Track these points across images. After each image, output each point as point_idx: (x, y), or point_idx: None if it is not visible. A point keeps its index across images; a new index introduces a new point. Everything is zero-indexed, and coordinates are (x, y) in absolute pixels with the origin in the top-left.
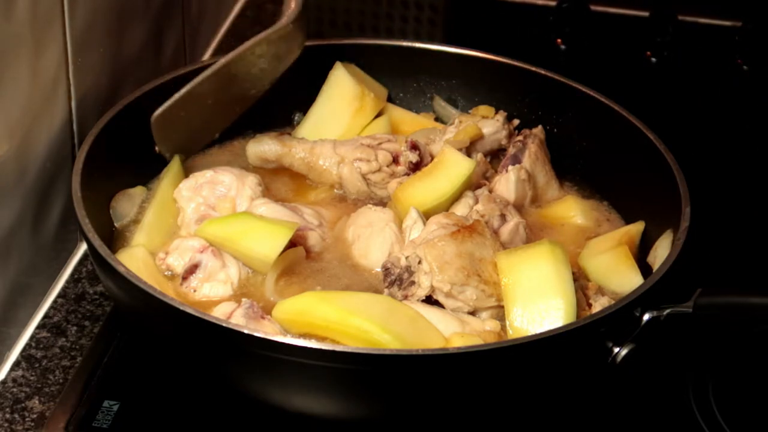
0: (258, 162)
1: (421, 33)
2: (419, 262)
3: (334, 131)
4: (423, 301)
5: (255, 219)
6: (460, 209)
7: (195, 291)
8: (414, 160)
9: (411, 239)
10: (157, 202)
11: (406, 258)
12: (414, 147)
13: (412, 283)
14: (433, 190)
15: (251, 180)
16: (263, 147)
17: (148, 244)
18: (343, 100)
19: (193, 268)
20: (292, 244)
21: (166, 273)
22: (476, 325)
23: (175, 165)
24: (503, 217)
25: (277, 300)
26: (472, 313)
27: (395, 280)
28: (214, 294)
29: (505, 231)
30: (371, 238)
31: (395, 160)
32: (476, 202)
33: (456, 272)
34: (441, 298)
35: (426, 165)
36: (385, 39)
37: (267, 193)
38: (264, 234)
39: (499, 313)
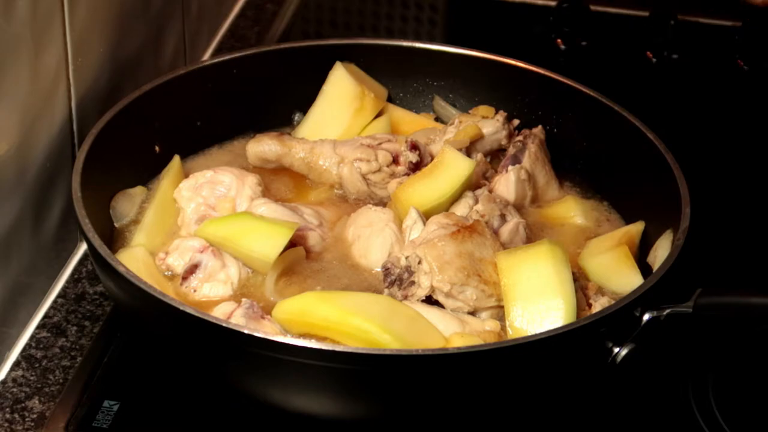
0: (258, 162)
1: (421, 33)
2: (419, 262)
3: (334, 131)
4: (423, 301)
5: (255, 219)
6: (460, 209)
7: (195, 291)
8: (414, 160)
9: (411, 239)
10: (157, 202)
11: (406, 258)
12: (414, 147)
13: (412, 283)
14: (433, 190)
15: (251, 180)
16: (263, 147)
17: (148, 244)
18: (343, 100)
19: (193, 268)
20: (292, 244)
21: (166, 273)
22: (476, 325)
23: (175, 165)
24: (503, 217)
25: (277, 300)
26: (472, 313)
27: (395, 280)
28: (214, 294)
29: (505, 231)
30: (371, 238)
31: (395, 160)
32: (476, 202)
33: (456, 272)
34: (441, 298)
35: (426, 165)
36: (385, 39)
37: (267, 193)
38: (264, 234)
39: (499, 313)
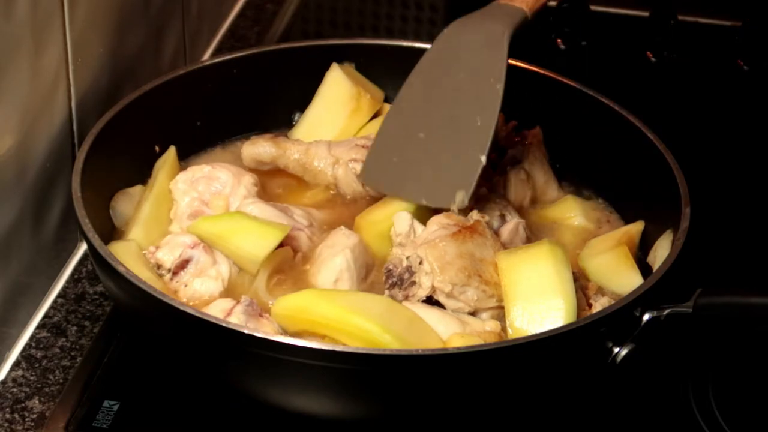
0: (253, 164)
1: (421, 33)
2: (420, 263)
3: (329, 132)
4: (424, 301)
5: (248, 219)
6: None
7: (186, 286)
8: None
9: (412, 239)
10: (154, 195)
11: (407, 258)
12: None
13: (413, 283)
14: (387, 213)
15: (248, 179)
16: (258, 149)
17: (145, 238)
18: (339, 101)
19: (184, 263)
20: (280, 244)
21: (155, 268)
22: (476, 325)
23: (170, 157)
24: (503, 218)
25: (268, 299)
26: (473, 313)
27: (396, 281)
28: (204, 290)
29: (505, 231)
30: (326, 261)
31: None
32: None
33: (457, 273)
34: (442, 299)
35: None
36: (385, 39)
37: (263, 192)
38: (255, 234)
39: (500, 313)
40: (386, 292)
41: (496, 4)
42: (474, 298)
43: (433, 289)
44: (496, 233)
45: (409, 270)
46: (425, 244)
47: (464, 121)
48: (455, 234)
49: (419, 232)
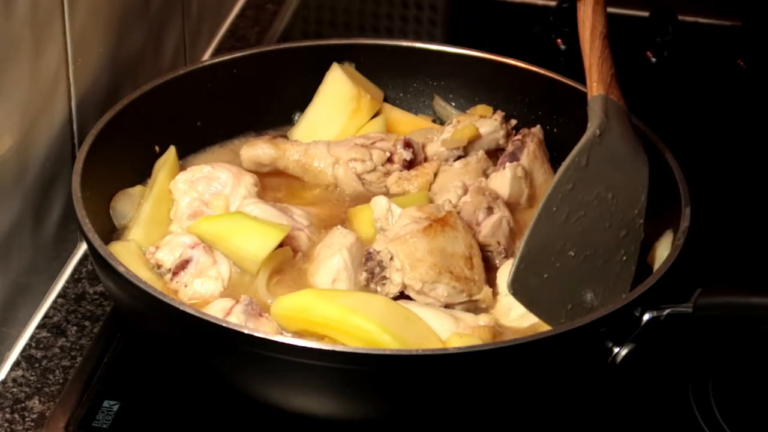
0: (252, 166)
1: (421, 33)
2: (391, 258)
3: (329, 132)
4: (396, 298)
5: (248, 219)
6: (452, 197)
7: (186, 286)
8: (408, 158)
9: (384, 234)
10: (154, 195)
11: (379, 253)
12: (407, 145)
13: (384, 278)
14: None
15: (248, 179)
16: (257, 151)
17: (145, 238)
18: (339, 102)
19: (184, 264)
20: (280, 244)
21: (155, 268)
22: (470, 321)
23: (170, 157)
24: (489, 210)
25: (268, 299)
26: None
27: (373, 267)
28: (205, 290)
29: (488, 224)
30: (323, 261)
31: (390, 159)
32: (465, 192)
33: (427, 270)
34: (413, 295)
35: (420, 162)
36: (385, 39)
37: (263, 192)
38: (255, 234)
39: (470, 307)
40: (363, 273)
41: (611, 103)
42: (444, 294)
43: (404, 285)
44: (479, 225)
45: (380, 264)
46: (396, 240)
47: (611, 243)
48: (426, 229)
49: (397, 214)
